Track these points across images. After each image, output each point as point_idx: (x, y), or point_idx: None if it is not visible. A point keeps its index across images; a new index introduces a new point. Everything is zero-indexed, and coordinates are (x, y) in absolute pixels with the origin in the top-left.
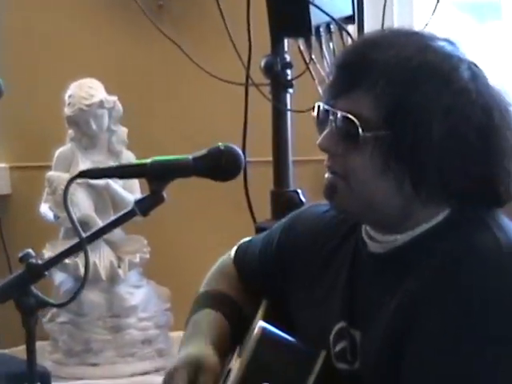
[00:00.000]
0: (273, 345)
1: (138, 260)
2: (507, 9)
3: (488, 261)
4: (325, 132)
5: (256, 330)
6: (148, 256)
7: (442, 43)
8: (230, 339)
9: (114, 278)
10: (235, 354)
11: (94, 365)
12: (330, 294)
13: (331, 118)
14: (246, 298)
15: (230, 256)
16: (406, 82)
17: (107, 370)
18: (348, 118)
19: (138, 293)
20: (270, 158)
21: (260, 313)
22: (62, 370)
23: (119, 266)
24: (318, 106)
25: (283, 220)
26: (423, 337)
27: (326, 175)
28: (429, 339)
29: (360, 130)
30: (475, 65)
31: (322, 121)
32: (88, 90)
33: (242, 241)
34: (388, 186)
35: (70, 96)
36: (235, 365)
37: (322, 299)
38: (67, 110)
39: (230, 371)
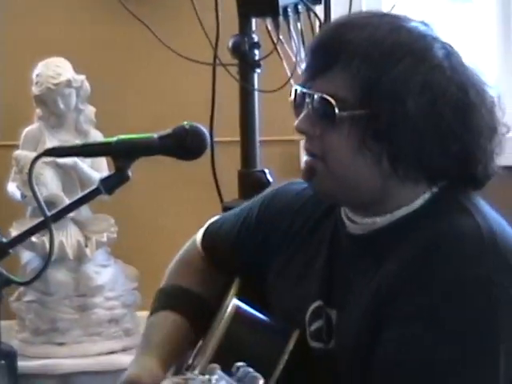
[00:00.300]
0: (246, 322)
1: (105, 239)
2: None
3: (468, 247)
4: (302, 114)
5: (229, 308)
6: (115, 235)
7: (415, 24)
8: (186, 342)
9: (81, 257)
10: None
11: (61, 344)
12: (308, 272)
13: (307, 100)
14: (210, 287)
15: (196, 241)
16: (380, 61)
17: (74, 349)
18: (324, 98)
19: (105, 272)
20: (238, 138)
21: (232, 291)
22: (29, 349)
23: (86, 246)
24: (295, 90)
25: (261, 195)
26: (399, 320)
27: (305, 158)
28: (403, 323)
29: (336, 109)
30: (449, 45)
31: (298, 104)
32: (55, 69)
33: (208, 222)
34: (366, 165)
35: (37, 75)
36: (206, 341)
37: (298, 277)
38: (35, 89)
39: (200, 347)
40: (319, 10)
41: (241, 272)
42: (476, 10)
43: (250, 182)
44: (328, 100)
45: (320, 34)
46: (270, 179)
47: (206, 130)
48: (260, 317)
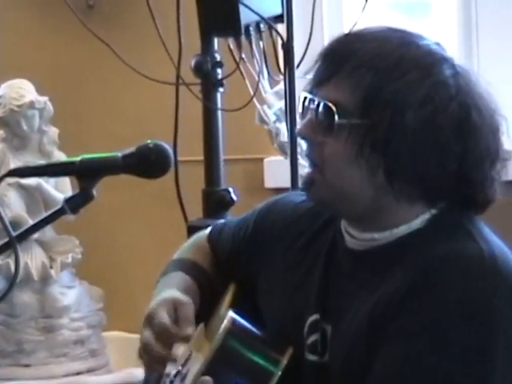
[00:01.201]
0: (242, 336)
1: (70, 260)
2: (436, 7)
3: (470, 271)
4: (304, 120)
5: (226, 321)
6: (80, 256)
7: (427, 42)
8: (198, 303)
9: (46, 279)
10: (197, 330)
11: (27, 365)
12: (305, 284)
13: (312, 106)
14: (218, 272)
15: (205, 233)
16: (385, 72)
17: (40, 371)
18: (326, 104)
19: (70, 293)
20: (202, 157)
21: (228, 298)
22: None
23: (51, 267)
24: (303, 96)
25: (259, 206)
26: (394, 342)
27: (306, 169)
28: (404, 341)
29: (336, 116)
30: (462, 67)
31: (304, 110)
32: (18, 91)
33: (212, 226)
34: (361, 176)
35: (0, 97)
36: (200, 352)
37: (295, 288)
38: None
39: (190, 354)
40: (281, 28)
41: (236, 279)
42: (435, 25)
43: (215, 200)
44: (329, 106)
45: (330, 42)
46: (234, 198)
47: (169, 148)
48: (255, 331)
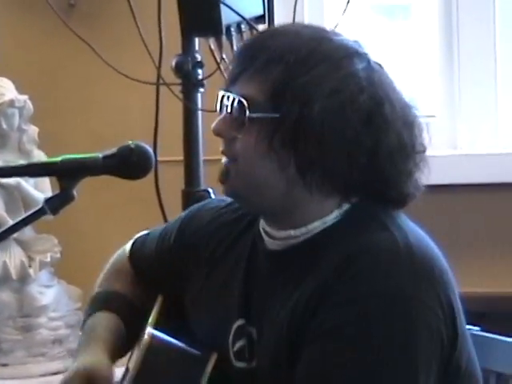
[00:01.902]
0: (162, 351)
1: (48, 259)
2: (417, 9)
3: (384, 262)
4: (219, 117)
5: (145, 337)
6: (59, 255)
7: (342, 37)
8: (123, 340)
9: (24, 278)
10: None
11: (5, 365)
12: (227, 291)
13: (226, 103)
14: (143, 293)
15: (125, 251)
16: (294, 66)
17: (18, 370)
18: (238, 100)
19: (48, 292)
20: (181, 158)
21: (155, 310)
22: None
23: (30, 266)
24: (220, 95)
25: (181, 214)
26: (317, 337)
27: (222, 161)
28: (322, 339)
29: (247, 111)
30: (378, 64)
31: (221, 108)
32: None
33: (138, 234)
34: (273, 170)
35: None
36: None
37: (217, 296)
38: None
39: (127, 370)
40: (262, 28)
41: (162, 289)
42: (416, 27)
43: (194, 201)
44: (241, 101)
45: (246, 40)
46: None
47: (151, 150)
48: (176, 344)
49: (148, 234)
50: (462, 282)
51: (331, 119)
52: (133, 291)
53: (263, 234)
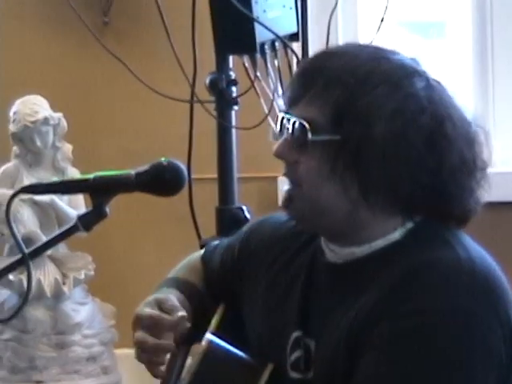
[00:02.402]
0: (219, 358)
1: (82, 277)
2: (451, 27)
3: (446, 278)
4: (280, 140)
5: (203, 343)
6: (93, 273)
7: (400, 56)
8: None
9: (58, 295)
10: (190, 350)
11: (39, 382)
12: (287, 302)
13: (287, 125)
14: (211, 293)
15: (200, 253)
16: (355, 86)
17: None
18: (299, 123)
19: (82, 310)
20: (215, 175)
21: (216, 317)
22: None
23: (64, 283)
24: (280, 117)
25: (245, 227)
26: (376, 347)
27: (285, 187)
28: (380, 349)
29: (309, 134)
30: (436, 81)
31: (281, 130)
32: (32, 107)
33: (209, 244)
34: (335, 191)
35: (14, 113)
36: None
37: (276, 306)
38: (12, 127)
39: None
40: (296, 46)
41: (223, 298)
42: (450, 45)
43: (228, 218)
44: (303, 124)
45: (304, 61)
46: (248, 216)
47: (183, 166)
48: (234, 352)
49: (217, 245)
50: None
51: (394, 141)
52: (204, 286)
53: (324, 247)
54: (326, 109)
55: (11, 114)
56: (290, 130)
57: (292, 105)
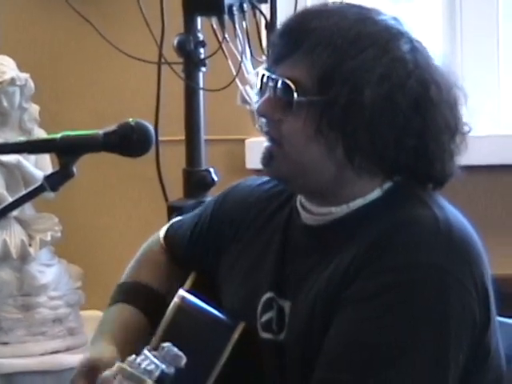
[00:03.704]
0: (191, 313)
1: (49, 238)
2: None
3: (423, 236)
4: (263, 97)
5: (175, 298)
6: (59, 234)
7: (384, 17)
8: (141, 334)
9: (24, 257)
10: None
11: (5, 343)
12: (260, 264)
13: (270, 84)
14: (170, 282)
15: (159, 236)
16: (343, 49)
17: (18, 349)
18: (285, 82)
19: (48, 271)
20: (183, 137)
21: (188, 282)
22: None
23: (30, 245)
24: (261, 74)
25: (215, 196)
26: (351, 304)
27: (265, 144)
28: (355, 307)
29: (295, 94)
30: (418, 41)
31: (263, 88)
32: None
33: (171, 221)
34: (320, 152)
35: None
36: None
37: (250, 269)
38: None
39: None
40: (265, 8)
41: (197, 268)
42: (419, 10)
43: (195, 180)
44: (288, 84)
45: (286, 20)
46: (215, 178)
47: (151, 127)
48: (206, 308)
49: (181, 221)
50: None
51: (381, 105)
52: (160, 279)
53: (300, 209)
54: (313, 70)
55: None
56: (274, 89)
57: (276, 63)
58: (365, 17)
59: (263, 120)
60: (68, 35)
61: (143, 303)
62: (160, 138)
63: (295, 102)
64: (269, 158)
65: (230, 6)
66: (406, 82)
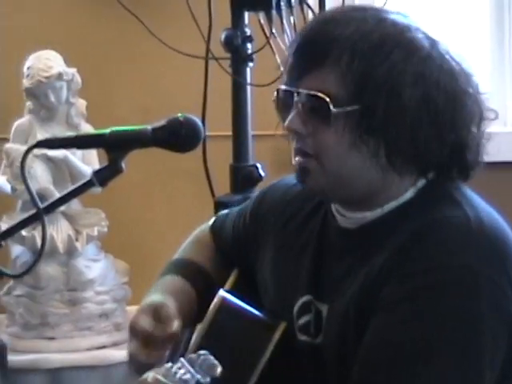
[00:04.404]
0: (232, 314)
1: (95, 233)
2: None
3: (454, 236)
4: (292, 114)
5: (216, 299)
6: (106, 229)
7: (395, 16)
8: (194, 306)
9: (71, 251)
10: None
11: (51, 338)
12: (297, 266)
13: (296, 99)
14: (219, 268)
15: (208, 225)
16: (370, 54)
17: (64, 344)
18: (317, 96)
19: (95, 266)
20: (230, 133)
21: (230, 281)
22: (19, 343)
23: (77, 240)
24: (279, 90)
25: (256, 192)
26: (384, 308)
27: (296, 159)
28: (388, 310)
29: (331, 106)
30: (430, 35)
31: (284, 104)
32: (46, 62)
33: (220, 213)
34: (362, 160)
35: (28, 68)
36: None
37: (288, 270)
38: (26, 82)
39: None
40: (312, 2)
41: (239, 265)
42: (468, 3)
43: (242, 176)
44: (321, 97)
45: (303, 32)
46: (262, 173)
47: (199, 122)
48: (247, 309)
49: (227, 214)
50: None
51: (420, 105)
52: (210, 264)
53: (335, 212)
54: (343, 80)
55: (25, 69)
56: (303, 103)
57: (300, 77)
58: (382, 18)
59: (294, 135)
60: (115, 30)
61: (195, 279)
62: (207, 133)
63: (332, 115)
64: (305, 172)
65: (278, 1)
66: (438, 78)
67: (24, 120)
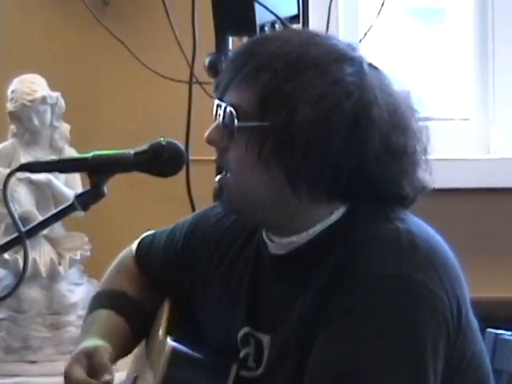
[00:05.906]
0: (184, 364)
1: (78, 257)
2: (451, 13)
3: (386, 247)
4: (212, 126)
5: (166, 350)
6: (89, 253)
7: (334, 41)
8: (128, 340)
9: (54, 275)
10: (138, 349)
11: (33, 362)
12: (233, 299)
13: (219, 111)
14: (146, 294)
15: (132, 251)
16: (282, 73)
17: (46, 368)
18: (227, 109)
19: (78, 290)
20: (213, 157)
21: (164, 319)
22: (1, 366)
23: (59, 263)
24: (215, 103)
25: (188, 218)
26: (324, 326)
27: (217, 177)
28: (328, 327)
29: (235, 120)
30: (374, 66)
31: (215, 118)
32: (31, 86)
33: (144, 234)
34: (263, 179)
35: (12, 91)
36: (145, 380)
37: (225, 304)
38: (9, 106)
39: (136, 378)
40: (297, 26)
41: (168, 292)
42: (451, 31)
43: None
44: (230, 111)
45: (237, 47)
46: None
47: (182, 147)
48: (197, 355)
49: (154, 235)
50: (494, 288)
51: (317, 126)
52: (138, 291)
53: (266, 238)
54: (252, 94)
55: (9, 92)
56: (221, 117)
57: (223, 91)
58: (310, 41)
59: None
60: (100, 54)
61: (124, 309)
62: (191, 158)
63: (236, 129)
64: (220, 191)
65: (262, 26)
66: (343, 103)
67: (7, 143)
